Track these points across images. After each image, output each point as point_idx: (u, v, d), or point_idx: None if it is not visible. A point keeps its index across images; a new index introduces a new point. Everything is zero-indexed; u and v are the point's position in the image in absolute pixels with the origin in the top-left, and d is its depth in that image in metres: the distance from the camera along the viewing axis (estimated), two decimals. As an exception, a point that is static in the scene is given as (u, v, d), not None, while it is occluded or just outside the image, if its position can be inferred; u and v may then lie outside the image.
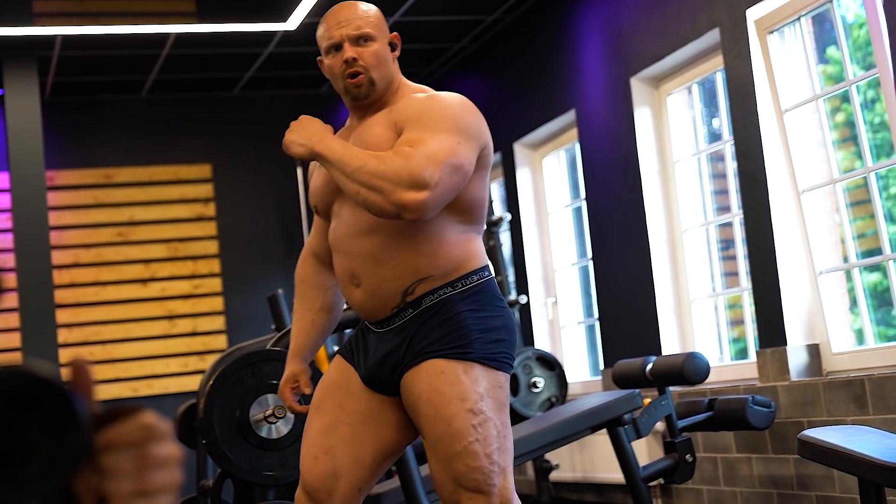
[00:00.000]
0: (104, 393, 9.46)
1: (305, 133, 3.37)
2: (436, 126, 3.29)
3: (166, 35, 8.41)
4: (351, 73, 3.44)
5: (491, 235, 8.18)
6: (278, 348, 4.82)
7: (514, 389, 7.34)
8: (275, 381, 4.71)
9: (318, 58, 3.58)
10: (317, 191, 3.59)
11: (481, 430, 3.27)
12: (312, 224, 3.82)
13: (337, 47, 3.46)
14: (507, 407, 3.38)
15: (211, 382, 4.73)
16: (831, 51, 6.15)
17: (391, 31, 3.54)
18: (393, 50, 3.54)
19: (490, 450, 3.28)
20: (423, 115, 3.33)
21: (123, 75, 9.42)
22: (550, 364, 7.50)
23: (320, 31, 3.53)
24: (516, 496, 3.36)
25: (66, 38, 8.25)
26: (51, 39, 8.27)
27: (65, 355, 9.34)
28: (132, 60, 9.03)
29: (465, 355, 3.31)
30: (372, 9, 3.54)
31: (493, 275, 3.52)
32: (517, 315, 8.16)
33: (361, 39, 3.45)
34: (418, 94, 3.49)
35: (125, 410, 1.11)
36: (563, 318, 8.61)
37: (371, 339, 3.48)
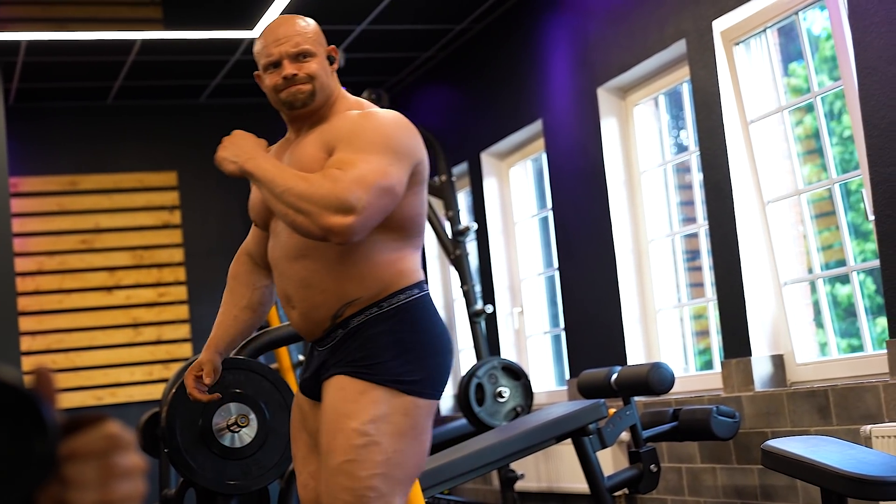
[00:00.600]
0: (68, 401, 9.40)
1: (237, 150, 3.35)
2: (367, 147, 3.26)
3: (132, 42, 8.38)
4: (290, 85, 3.43)
5: (457, 245, 8.18)
6: (241, 356, 4.80)
7: (480, 399, 7.34)
8: (238, 390, 4.69)
9: (256, 73, 3.56)
10: (255, 205, 3.60)
11: (362, 452, 3.24)
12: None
13: (276, 64, 3.45)
14: (418, 435, 3.31)
15: (173, 391, 4.70)
16: (796, 63, 6.18)
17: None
18: (331, 63, 3.52)
19: (369, 474, 3.23)
20: (355, 136, 3.30)
21: (89, 82, 9.37)
22: (516, 374, 7.50)
23: (258, 48, 3.50)
24: None
25: (30, 43, 8.21)
26: (15, 45, 8.22)
27: (28, 363, 9.28)
28: (98, 67, 8.99)
29: (368, 376, 3.28)
30: (310, 24, 3.53)
31: (425, 291, 3.41)
32: (483, 325, 8.15)
33: (300, 56, 3.44)
34: (353, 111, 3.45)
35: (89, 420, 1.10)
36: (528, 328, 8.61)
37: (314, 355, 3.52)
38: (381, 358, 3.28)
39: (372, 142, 3.27)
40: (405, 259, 3.38)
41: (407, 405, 3.28)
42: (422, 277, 3.43)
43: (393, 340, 3.30)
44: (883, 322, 5.60)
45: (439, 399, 3.39)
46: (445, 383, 3.41)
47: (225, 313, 3.72)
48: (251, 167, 3.29)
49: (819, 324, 6.04)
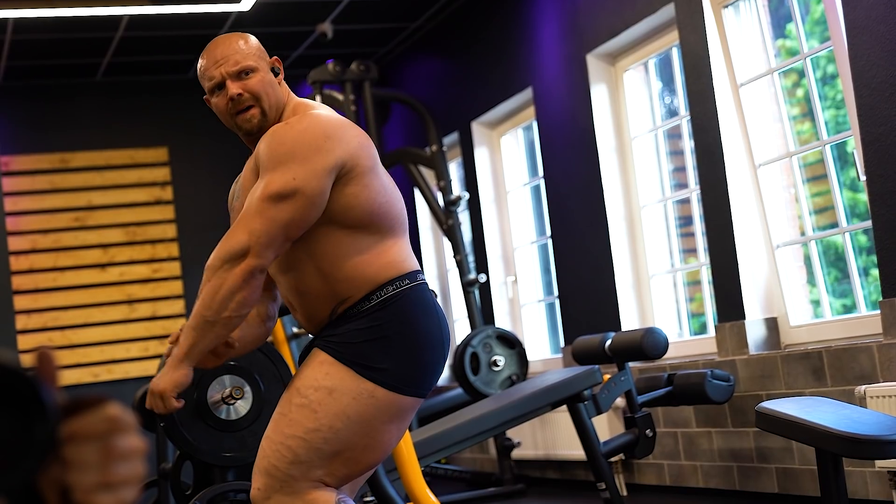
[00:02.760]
0: (64, 379, 9.39)
1: (163, 375, 3.24)
2: (269, 166, 3.23)
3: (120, 17, 8.35)
4: (239, 110, 3.38)
5: (450, 215, 8.19)
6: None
7: (475, 368, 7.36)
8: (232, 363, 4.70)
9: (205, 97, 3.51)
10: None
11: (294, 411, 3.24)
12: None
13: (220, 86, 3.39)
14: (365, 424, 3.23)
15: (168, 364, 4.71)
16: (791, 25, 6.17)
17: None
18: (276, 75, 3.45)
19: (291, 433, 3.23)
20: (262, 160, 3.27)
21: (78, 59, 9.35)
22: (511, 342, 7.52)
23: (200, 71, 3.45)
24: (322, 501, 3.23)
25: (18, 21, 8.18)
26: (3, 22, 8.18)
27: (24, 342, 9.29)
28: (86, 43, 8.96)
29: (334, 352, 3.27)
30: (250, 40, 3.46)
31: (418, 281, 3.35)
32: (477, 294, 8.16)
33: (242, 73, 3.37)
34: (279, 124, 3.37)
35: (90, 401, 1.10)
36: (522, 297, 8.62)
37: None
38: (354, 340, 3.26)
39: (272, 159, 3.23)
40: (387, 251, 3.33)
41: (363, 390, 3.23)
42: (413, 267, 3.37)
43: (372, 327, 3.27)
44: (876, 282, 5.60)
45: (410, 396, 3.28)
46: (424, 382, 3.31)
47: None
48: (183, 359, 3.23)
49: (812, 284, 6.05)
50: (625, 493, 6.87)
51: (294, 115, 3.38)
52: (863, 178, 5.29)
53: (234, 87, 3.36)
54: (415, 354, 3.28)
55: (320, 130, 3.26)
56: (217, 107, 3.43)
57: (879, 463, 4.99)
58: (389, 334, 3.27)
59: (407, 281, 3.32)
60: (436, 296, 4.40)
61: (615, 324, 7.09)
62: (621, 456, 6.51)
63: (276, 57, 3.51)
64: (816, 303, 6.02)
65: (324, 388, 3.23)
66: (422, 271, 3.42)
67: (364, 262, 3.29)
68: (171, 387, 3.21)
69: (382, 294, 3.29)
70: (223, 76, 3.37)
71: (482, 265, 8.76)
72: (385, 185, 3.35)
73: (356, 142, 3.30)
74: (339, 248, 3.28)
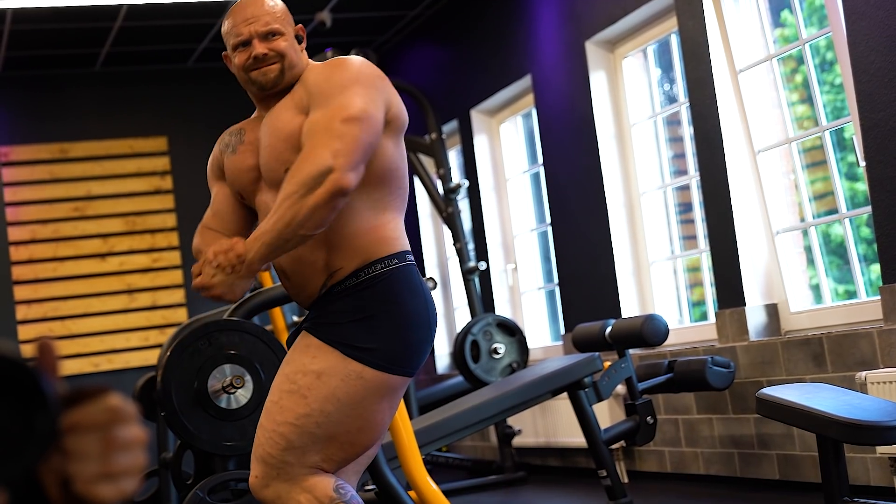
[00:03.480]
0: (65, 369, 9.40)
1: (222, 270, 3.13)
2: (334, 90, 3.24)
3: (118, 7, 8.34)
4: (260, 66, 3.40)
5: (449, 202, 8.18)
6: (235, 318, 4.80)
7: (476, 356, 7.36)
8: (232, 352, 4.70)
9: (224, 53, 3.53)
10: (240, 174, 3.51)
11: (285, 398, 3.24)
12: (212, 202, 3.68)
13: (245, 44, 3.42)
14: (356, 405, 3.22)
15: (168, 354, 4.72)
16: (787, 12, 6.16)
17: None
18: (300, 42, 3.50)
19: (283, 420, 3.23)
20: (321, 88, 3.28)
21: (76, 49, 9.34)
22: (511, 330, 7.52)
23: (226, 27, 3.47)
24: (321, 486, 3.23)
25: (17, 11, 8.17)
26: (2, 13, 8.18)
27: (24, 332, 9.30)
28: (85, 33, 8.96)
29: (321, 334, 3.27)
30: (278, 4, 3.51)
31: (407, 261, 3.34)
32: (477, 282, 8.16)
33: (270, 35, 3.42)
34: (316, 65, 3.43)
35: (90, 392, 1.10)
36: (523, 284, 8.62)
37: None
38: (339, 320, 3.26)
39: (338, 84, 3.25)
40: (387, 225, 3.33)
41: (350, 371, 3.22)
42: (405, 247, 3.37)
43: (357, 307, 3.26)
44: (876, 268, 5.60)
45: (398, 375, 3.27)
46: (411, 361, 3.30)
47: None
48: (253, 262, 3.13)
49: (812, 270, 6.05)
50: (626, 480, 6.88)
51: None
52: (862, 163, 5.29)
53: (260, 47, 3.40)
54: (401, 333, 3.27)
55: (375, 70, 3.34)
56: (236, 64, 3.46)
57: (880, 449, 5.00)
58: (375, 313, 3.26)
59: (396, 260, 3.32)
60: (435, 284, 4.41)
61: (615, 311, 7.09)
62: (622, 443, 6.52)
63: (301, 25, 3.56)
64: (816, 288, 6.02)
65: (312, 372, 3.23)
66: (411, 252, 3.41)
67: (364, 231, 3.29)
68: (253, 269, 3.13)
69: (371, 271, 3.28)
70: (251, 34, 3.41)
71: (482, 253, 8.76)
72: (405, 156, 3.42)
73: (399, 98, 3.38)
74: (347, 214, 3.27)
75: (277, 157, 3.32)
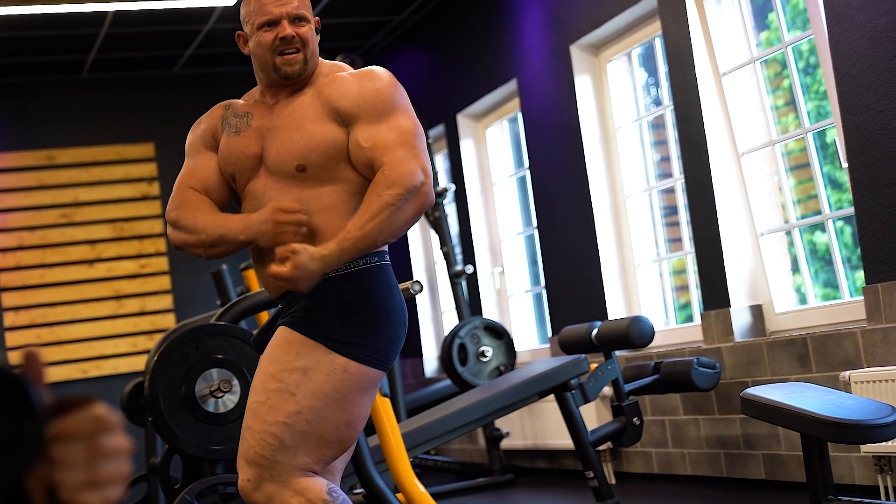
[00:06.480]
0: (53, 375, 9.41)
1: (308, 271, 3.16)
2: (389, 110, 3.34)
3: (104, 13, 8.35)
4: (287, 50, 3.43)
5: (436, 207, 8.20)
6: (222, 322, 4.81)
7: (463, 359, 7.38)
8: (220, 356, 4.71)
9: (239, 33, 3.55)
10: (237, 159, 3.49)
11: (273, 397, 3.23)
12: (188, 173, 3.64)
13: (272, 23, 3.44)
14: (341, 399, 3.24)
15: (155, 359, 4.73)
16: (772, 16, 6.19)
17: (321, 7, 3.54)
18: (317, 34, 3.55)
19: (274, 420, 3.22)
20: (372, 102, 3.34)
21: (63, 55, 9.34)
22: (498, 333, 7.54)
23: (253, 6, 3.48)
24: (314, 489, 3.23)
25: (3, 18, 8.17)
26: (-13, 20, 8.19)
27: (11, 339, 9.29)
28: (71, 40, 8.96)
29: (304, 329, 3.27)
30: None
31: (386, 262, 3.39)
32: (464, 286, 8.18)
33: (298, 19, 3.46)
34: (343, 72, 3.48)
35: (76, 401, 1.11)
36: (510, 287, 8.64)
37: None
38: (321, 314, 3.27)
39: (393, 102, 3.36)
40: None
41: (336, 366, 3.24)
42: (384, 248, 3.38)
43: (339, 301, 3.28)
44: (860, 274, 5.64)
45: (379, 370, 3.30)
46: (389, 356, 3.34)
47: (212, 209, 3.49)
48: (332, 263, 3.20)
49: (796, 271, 6.08)
50: (613, 481, 6.91)
51: (338, 70, 3.50)
52: (845, 165, 5.33)
53: (288, 29, 3.43)
54: (382, 328, 3.31)
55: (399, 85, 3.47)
56: (260, 43, 3.46)
57: (865, 448, 5.03)
58: (357, 309, 3.28)
59: (377, 259, 3.35)
60: (421, 287, 4.43)
61: (602, 313, 7.12)
62: (609, 444, 6.54)
63: (317, 17, 3.60)
64: (800, 289, 6.05)
65: (298, 369, 3.24)
66: (388, 253, 3.44)
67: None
68: (332, 267, 3.21)
69: (353, 266, 3.30)
70: (281, 15, 3.44)
71: (469, 256, 8.78)
72: None
73: None
74: (334, 212, 3.31)
75: (294, 152, 3.34)
